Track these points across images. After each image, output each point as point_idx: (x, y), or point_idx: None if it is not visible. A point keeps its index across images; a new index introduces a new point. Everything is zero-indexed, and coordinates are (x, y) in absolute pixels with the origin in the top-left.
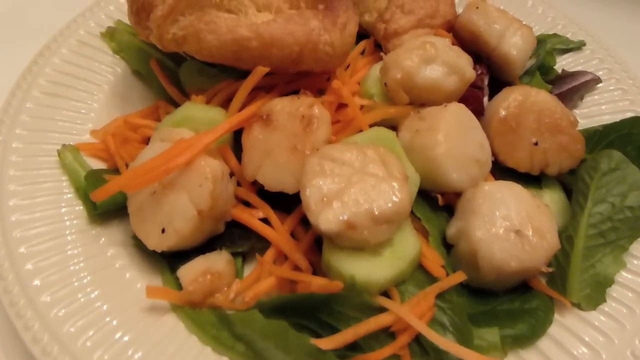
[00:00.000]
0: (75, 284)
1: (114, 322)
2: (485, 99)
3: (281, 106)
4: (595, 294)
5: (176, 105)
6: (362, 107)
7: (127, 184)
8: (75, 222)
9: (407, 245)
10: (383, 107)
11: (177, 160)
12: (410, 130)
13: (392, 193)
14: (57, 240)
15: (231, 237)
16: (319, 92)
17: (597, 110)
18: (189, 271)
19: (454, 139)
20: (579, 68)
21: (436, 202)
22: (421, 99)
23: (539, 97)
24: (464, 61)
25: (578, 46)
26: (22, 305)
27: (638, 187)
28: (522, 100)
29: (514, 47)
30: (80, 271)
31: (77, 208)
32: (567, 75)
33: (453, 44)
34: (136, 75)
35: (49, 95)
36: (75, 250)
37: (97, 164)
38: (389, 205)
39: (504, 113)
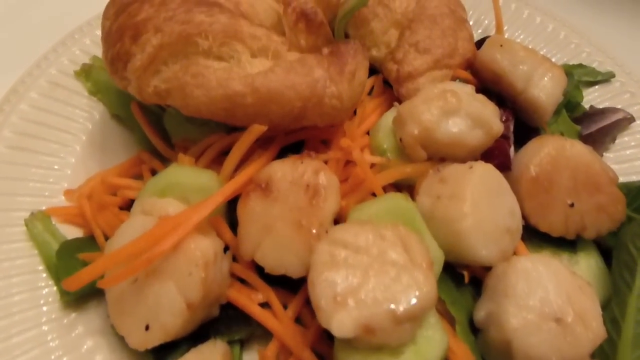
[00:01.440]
0: None
1: None
2: (512, 149)
3: (282, 173)
4: None
5: (161, 157)
6: (373, 164)
7: (103, 277)
8: (51, 307)
9: (433, 343)
10: (398, 165)
11: (162, 244)
12: (431, 195)
13: (416, 286)
14: (33, 331)
15: (227, 322)
16: (323, 142)
17: (632, 155)
18: None
19: (482, 209)
20: (608, 104)
21: (461, 277)
22: (441, 154)
23: (574, 151)
24: (491, 113)
25: (607, 78)
26: None
27: None
28: (555, 155)
29: (543, 91)
30: None
31: (54, 289)
32: (596, 113)
33: (476, 88)
34: (116, 119)
35: (17, 150)
36: (53, 344)
37: (72, 231)
38: (413, 301)
39: (535, 171)
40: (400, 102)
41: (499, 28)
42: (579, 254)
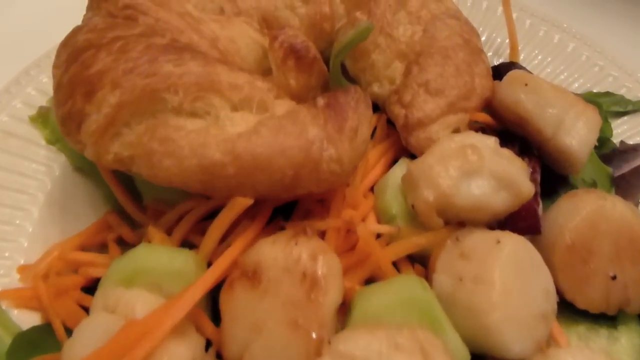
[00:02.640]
0: None
1: None
2: (540, 208)
3: (273, 258)
4: None
5: (131, 219)
6: (379, 234)
7: None
8: None
9: None
10: (409, 235)
11: (132, 356)
12: (451, 274)
13: None
14: None
15: None
16: (320, 202)
17: None
18: None
19: (514, 296)
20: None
21: None
22: (460, 218)
23: (616, 213)
24: (519, 172)
25: (638, 108)
26: None
27: None
28: (594, 219)
29: (576, 138)
30: None
31: None
32: (627, 150)
33: (495, 130)
34: (79, 173)
35: None
36: None
37: (27, 317)
38: None
39: (571, 239)
40: (408, 152)
41: (514, 50)
42: (620, 328)
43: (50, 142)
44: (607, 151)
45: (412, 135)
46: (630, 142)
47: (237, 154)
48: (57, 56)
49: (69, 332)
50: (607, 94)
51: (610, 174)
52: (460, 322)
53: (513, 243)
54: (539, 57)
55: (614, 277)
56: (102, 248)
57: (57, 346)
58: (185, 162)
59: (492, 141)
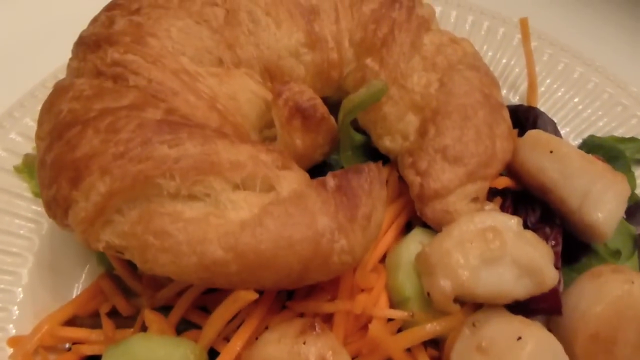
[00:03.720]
0: None
1: None
2: (561, 285)
3: (278, 356)
4: None
5: (126, 288)
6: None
7: None
8: None
9: None
10: (423, 320)
11: None
12: None
13: None
14: None
15: None
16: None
17: None
18: None
19: None
20: None
21: None
22: (478, 302)
23: None
24: (544, 259)
25: None
26: None
27: None
28: (621, 306)
29: (604, 212)
30: None
31: None
32: None
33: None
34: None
35: None
36: None
37: None
38: None
39: (595, 328)
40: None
41: (533, 91)
42: None
43: (38, 194)
44: (630, 203)
45: (427, 206)
46: None
47: (240, 250)
48: (40, 124)
49: None
50: (632, 139)
51: (634, 235)
52: None
53: (536, 340)
54: (558, 93)
55: None
56: (95, 317)
57: None
58: (183, 260)
59: (515, 223)
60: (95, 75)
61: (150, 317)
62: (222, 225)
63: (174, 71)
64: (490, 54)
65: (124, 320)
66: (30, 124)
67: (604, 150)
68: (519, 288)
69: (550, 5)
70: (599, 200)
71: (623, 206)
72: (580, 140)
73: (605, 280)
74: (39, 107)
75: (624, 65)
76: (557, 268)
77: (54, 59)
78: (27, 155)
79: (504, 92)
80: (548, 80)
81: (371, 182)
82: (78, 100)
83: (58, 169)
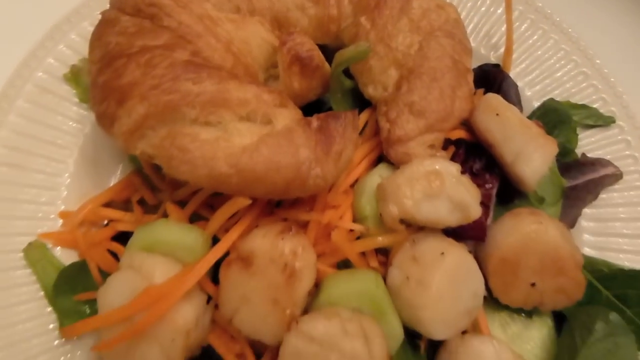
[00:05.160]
0: None
1: None
2: (490, 219)
3: (263, 249)
4: None
5: (152, 184)
6: (351, 230)
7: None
8: (50, 335)
9: None
10: (375, 235)
11: (149, 315)
12: (402, 270)
13: None
14: (42, 357)
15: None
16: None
17: (612, 213)
18: None
19: (444, 299)
20: (602, 152)
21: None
22: (419, 226)
23: (547, 236)
24: (472, 198)
25: (607, 123)
26: None
27: None
28: (528, 240)
29: (530, 167)
30: None
31: (48, 318)
32: (586, 164)
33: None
34: None
35: (10, 167)
36: None
37: (68, 255)
38: None
39: (505, 253)
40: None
41: (508, 53)
42: (534, 318)
43: (82, 100)
44: (568, 160)
45: (392, 148)
46: (591, 155)
47: (240, 168)
48: (91, 49)
49: (101, 271)
50: (583, 106)
51: (563, 186)
52: (402, 310)
53: (455, 256)
54: (529, 59)
55: (533, 284)
56: (127, 203)
57: (92, 283)
58: (197, 171)
59: (455, 169)
60: (135, 11)
61: (170, 207)
62: (228, 148)
63: (199, 16)
64: (476, 18)
65: (149, 208)
66: (77, 39)
67: (557, 113)
68: (451, 218)
69: None
70: (528, 158)
71: (548, 164)
72: (541, 102)
73: (521, 219)
74: (83, 23)
75: (597, 36)
76: (488, 206)
77: None
78: (73, 66)
79: (484, 51)
80: (523, 47)
81: (345, 126)
82: (123, 35)
83: (108, 91)
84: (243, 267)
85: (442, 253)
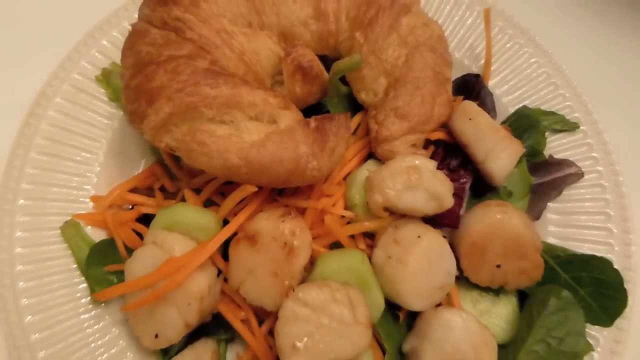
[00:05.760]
0: None
1: None
2: (463, 209)
3: (267, 229)
4: None
5: (171, 174)
6: (342, 216)
7: (127, 297)
8: (82, 301)
9: None
10: (362, 221)
11: (169, 282)
12: (385, 251)
13: (354, 341)
14: (66, 324)
15: (217, 326)
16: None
17: (574, 207)
18: None
19: (421, 275)
20: (568, 153)
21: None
22: (401, 213)
23: (511, 225)
24: (446, 190)
25: (572, 129)
26: None
27: (576, 333)
28: (494, 228)
29: (498, 165)
30: (89, 354)
31: (82, 286)
32: (553, 163)
33: (447, 143)
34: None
35: (48, 156)
36: (86, 331)
37: (99, 233)
38: (349, 351)
39: (474, 238)
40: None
41: (487, 65)
42: (500, 296)
43: (112, 99)
44: (537, 161)
45: (379, 146)
46: (557, 156)
47: (248, 160)
48: (124, 57)
49: (126, 247)
50: (552, 113)
51: (531, 183)
52: (384, 284)
53: (429, 239)
54: (507, 70)
55: (498, 266)
56: (149, 190)
57: (118, 257)
58: (213, 162)
59: (432, 165)
60: (162, 24)
61: (188, 193)
62: (239, 143)
63: (217, 30)
64: (462, 32)
65: (169, 194)
66: (107, 45)
67: (528, 119)
68: (427, 207)
69: None
70: (496, 157)
71: (514, 162)
72: (515, 109)
73: (489, 209)
74: (113, 32)
75: (566, 51)
76: (462, 198)
77: None
78: (104, 69)
79: (467, 62)
80: (501, 59)
81: (339, 127)
82: (152, 45)
83: (139, 92)
84: (249, 245)
85: (419, 236)
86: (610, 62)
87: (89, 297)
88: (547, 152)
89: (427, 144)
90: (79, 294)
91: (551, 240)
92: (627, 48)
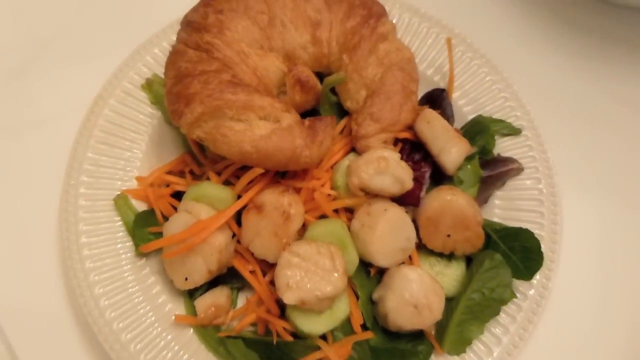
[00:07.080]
0: (131, 304)
1: (158, 329)
2: (423, 192)
3: (270, 201)
4: (460, 347)
5: (198, 161)
6: (329, 194)
7: (165, 249)
8: (128, 255)
9: (341, 309)
10: (344, 198)
11: (198, 237)
12: (360, 221)
13: (333, 282)
14: (116, 270)
15: (230, 276)
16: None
17: (514, 195)
18: (201, 303)
19: (386, 238)
20: (511, 153)
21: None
22: (373, 193)
23: (457, 204)
24: (407, 176)
25: (516, 133)
26: (96, 318)
27: (504, 285)
28: (444, 206)
29: (449, 159)
30: (134, 294)
31: (128, 244)
32: (499, 160)
33: (412, 142)
34: (168, 124)
35: (104, 144)
36: (130, 277)
37: (141, 204)
38: (329, 290)
39: (429, 214)
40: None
41: (451, 83)
42: (452, 261)
43: (153, 103)
44: (488, 158)
45: (358, 142)
46: (504, 154)
47: (258, 149)
48: (167, 70)
49: (163, 215)
50: (501, 120)
51: (480, 175)
52: (358, 246)
53: (394, 212)
54: (467, 86)
55: (448, 236)
56: (181, 173)
57: (157, 223)
58: (232, 149)
59: (397, 156)
60: (196, 46)
61: (211, 174)
62: (251, 135)
63: (237, 51)
64: (432, 54)
65: (196, 177)
66: (150, 60)
67: (481, 125)
68: (393, 188)
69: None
70: (447, 152)
71: (462, 157)
72: (471, 117)
73: (442, 192)
74: (155, 50)
75: (515, 71)
76: (422, 183)
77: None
78: (148, 79)
79: (436, 78)
80: (463, 77)
81: (326, 126)
82: (189, 62)
83: (179, 97)
84: (257, 213)
85: (385, 209)
86: (554, 82)
87: (134, 252)
88: (495, 151)
89: (397, 141)
90: (122, 250)
91: (496, 220)
92: (569, 72)
